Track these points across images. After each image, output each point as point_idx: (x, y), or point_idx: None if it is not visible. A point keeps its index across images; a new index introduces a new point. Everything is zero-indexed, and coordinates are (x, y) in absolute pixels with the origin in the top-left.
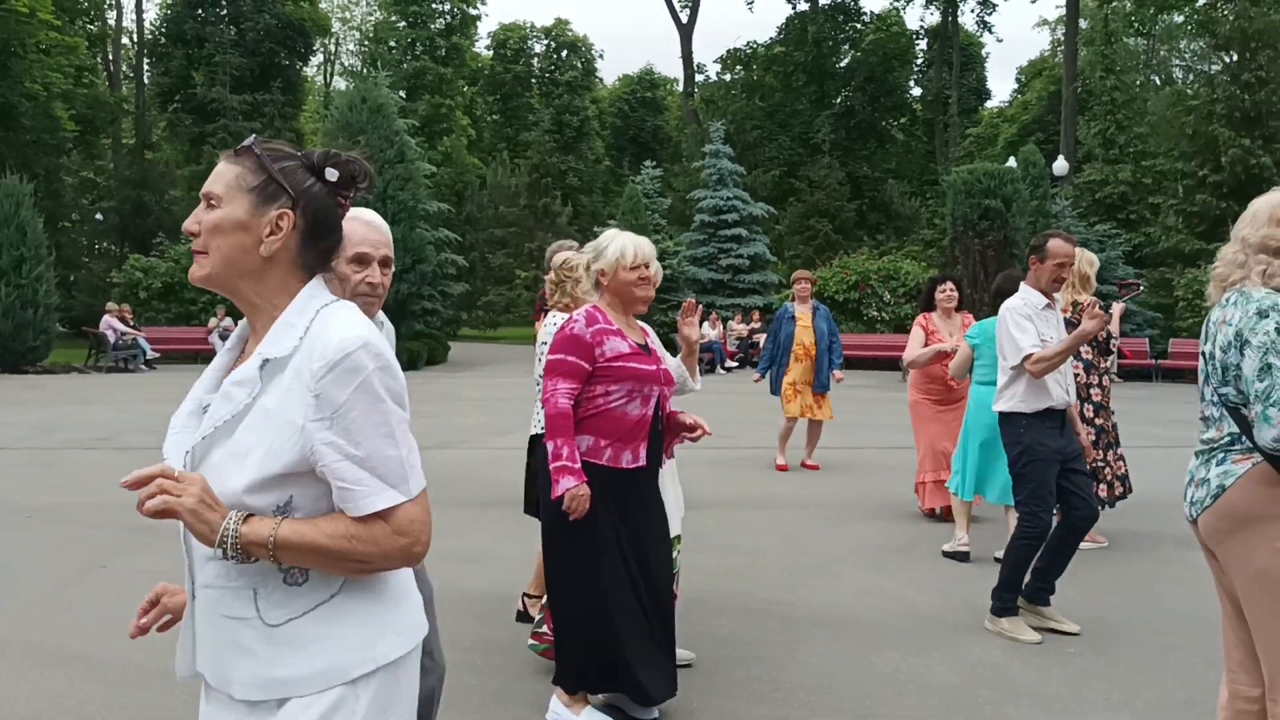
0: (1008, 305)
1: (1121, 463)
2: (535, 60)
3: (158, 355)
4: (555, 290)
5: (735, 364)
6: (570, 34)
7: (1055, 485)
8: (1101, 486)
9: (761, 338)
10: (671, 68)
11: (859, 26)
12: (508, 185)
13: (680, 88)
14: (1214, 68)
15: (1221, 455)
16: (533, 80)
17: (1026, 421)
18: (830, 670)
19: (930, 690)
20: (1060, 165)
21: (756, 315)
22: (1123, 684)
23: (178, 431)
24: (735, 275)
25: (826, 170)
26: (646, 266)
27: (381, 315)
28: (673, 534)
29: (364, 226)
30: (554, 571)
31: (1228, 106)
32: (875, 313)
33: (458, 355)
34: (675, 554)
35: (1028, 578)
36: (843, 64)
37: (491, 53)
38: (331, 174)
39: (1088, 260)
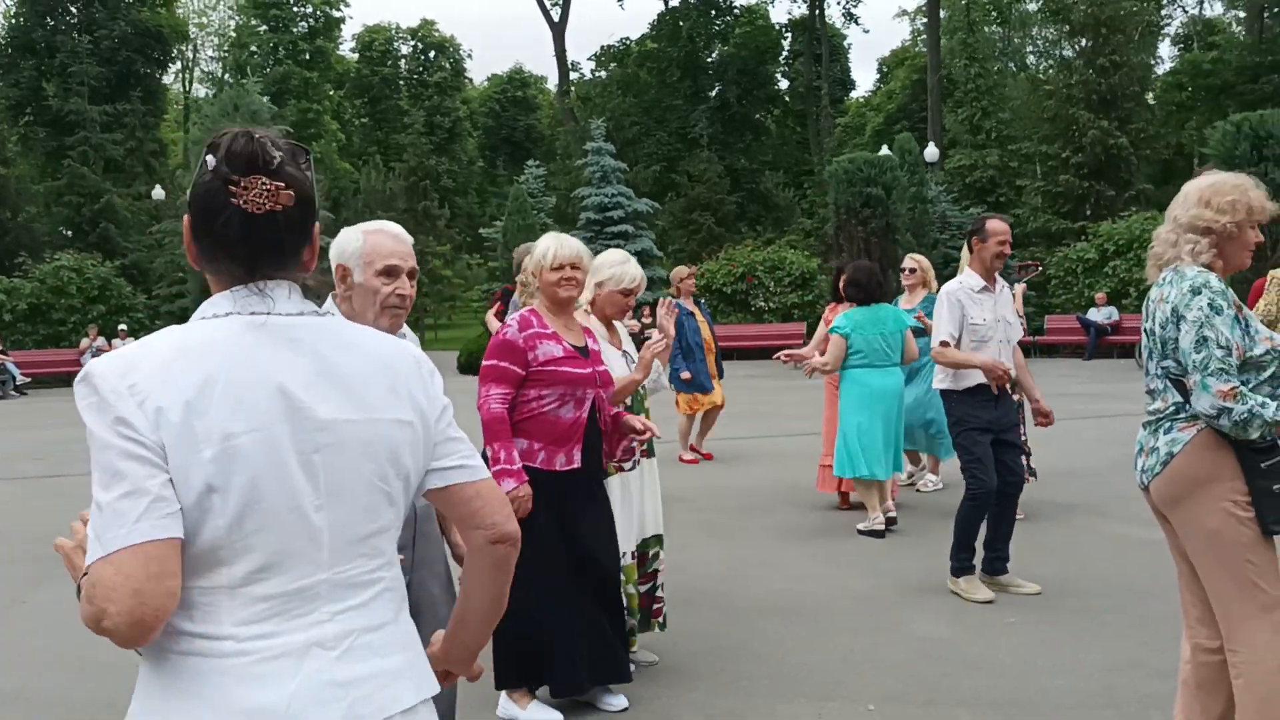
0: (945, 288)
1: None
2: (402, 62)
3: (28, 380)
4: (523, 291)
5: None
6: (437, 34)
7: (991, 451)
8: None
9: (654, 333)
10: (541, 66)
11: (729, 20)
12: (383, 190)
13: (552, 85)
14: (1066, 53)
15: (1168, 424)
16: (401, 82)
17: (957, 397)
18: (786, 657)
19: (884, 669)
20: (931, 152)
21: (646, 311)
22: (1066, 649)
23: None
24: None
25: (705, 164)
26: (573, 266)
27: (405, 327)
28: (653, 533)
29: (391, 239)
30: None
31: (1085, 90)
32: (762, 303)
33: None
34: (658, 551)
35: (981, 552)
36: (713, 58)
37: (357, 55)
38: (210, 160)
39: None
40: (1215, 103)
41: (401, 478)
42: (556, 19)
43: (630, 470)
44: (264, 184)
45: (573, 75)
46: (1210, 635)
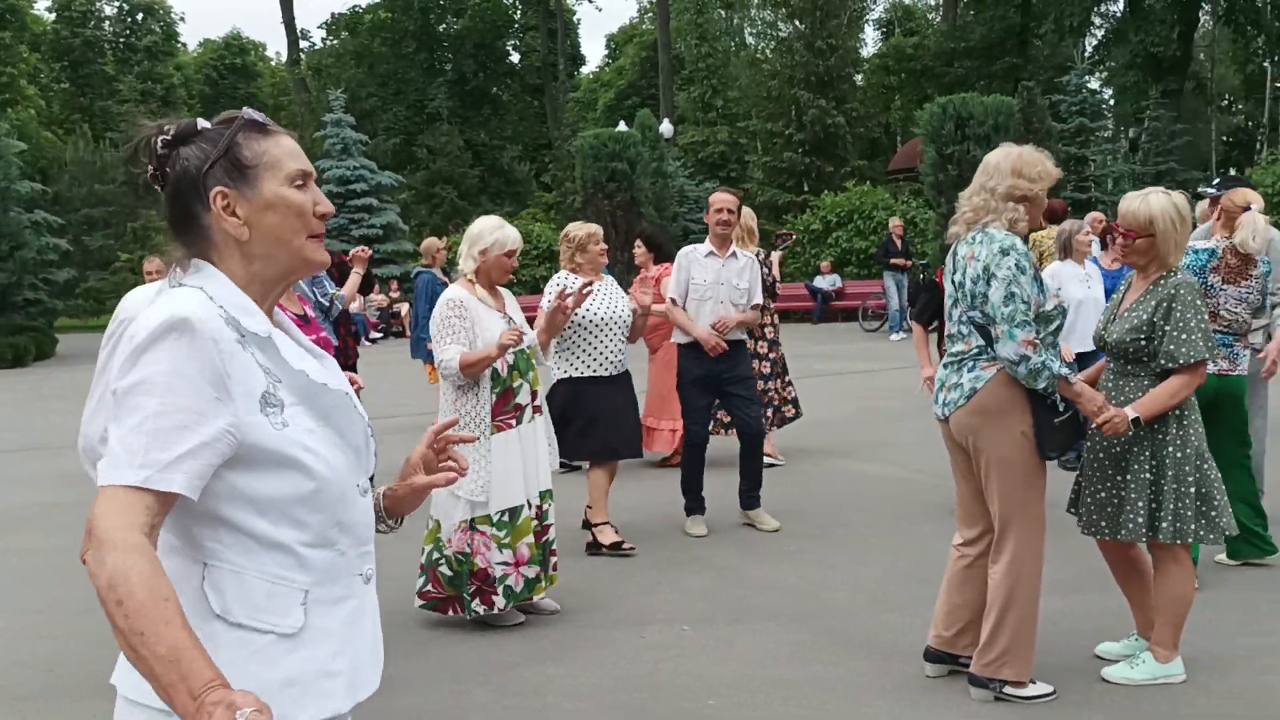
0: (680, 252)
1: (791, 388)
2: (107, 24)
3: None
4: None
5: (379, 335)
6: None
7: (706, 403)
8: (769, 410)
9: (403, 307)
10: (260, 32)
11: None
12: (94, 161)
13: (273, 53)
14: (782, 33)
15: (971, 364)
16: (106, 45)
17: (682, 351)
18: (599, 591)
19: (691, 595)
20: (666, 128)
21: (395, 285)
22: (841, 568)
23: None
24: (369, 245)
25: (446, 137)
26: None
27: None
28: (547, 486)
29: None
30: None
31: (804, 71)
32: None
33: (66, 348)
34: (549, 506)
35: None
36: (444, 29)
37: (54, 15)
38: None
39: (749, 215)
40: (916, 85)
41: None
42: None
43: (520, 427)
44: (148, 169)
45: (302, 44)
46: (976, 541)
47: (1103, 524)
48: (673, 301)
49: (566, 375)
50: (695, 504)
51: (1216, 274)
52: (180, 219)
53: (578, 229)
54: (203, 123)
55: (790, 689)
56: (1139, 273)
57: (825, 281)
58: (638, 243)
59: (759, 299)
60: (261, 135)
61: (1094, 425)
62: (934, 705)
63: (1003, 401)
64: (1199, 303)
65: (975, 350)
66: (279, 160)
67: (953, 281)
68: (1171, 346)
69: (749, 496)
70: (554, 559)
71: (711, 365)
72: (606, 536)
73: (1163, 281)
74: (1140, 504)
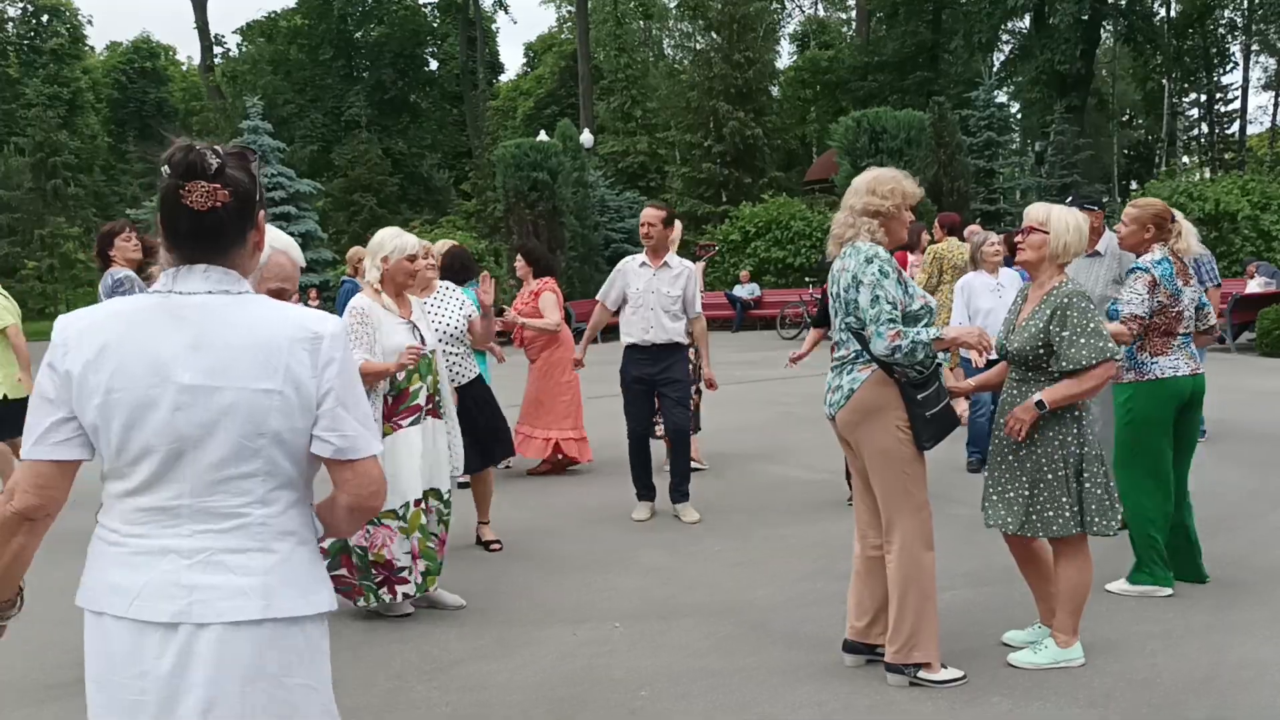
0: (621, 261)
1: (698, 395)
2: (10, 26)
3: None
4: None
5: None
6: None
7: (642, 401)
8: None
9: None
10: (170, 35)
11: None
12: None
13: (184, 57)
14: (701, 45)
15: (850, 367)
16: (9, 48)
17: (624, 352)
18: (535, 592)
19: (622, 594)
20: (586, 138)
21: (314, 293)
22: (763, 566)
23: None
24: None
25: (365, 145)
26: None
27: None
28: (439, 487)
29: (290, 264)
30: None
31: (724, 83)
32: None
33: None
34: (445, 507)
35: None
36: (361, 36)
37: None
38: (165, 171)
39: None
40: (832, 98)
41: (268, 436)
42: None
43: (417, 426)
44: (202, 188)
45: (216, 49)
46: (875, 534)
47: (1007, 519)
48: (599, 304)
49: None
50: (643, 492)
51: (1181, 279)
52: (235, 232)
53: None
54: (219, 148)
55: (717, 678)
56: (1034, 283)
57: (744, 290)
58: (518, 257)
59: (698, 309)
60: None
61: (977, 355)
62: (853, 691)
63: (878, 399)
64: (1090, 308)
65: (853, 354)
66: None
67: (832, 294)
68: (1072, 351)
69: (676, 491)
70: (442, 558)
71: (647, 367)
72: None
73: (1055, 292)
74: (1042, 499)
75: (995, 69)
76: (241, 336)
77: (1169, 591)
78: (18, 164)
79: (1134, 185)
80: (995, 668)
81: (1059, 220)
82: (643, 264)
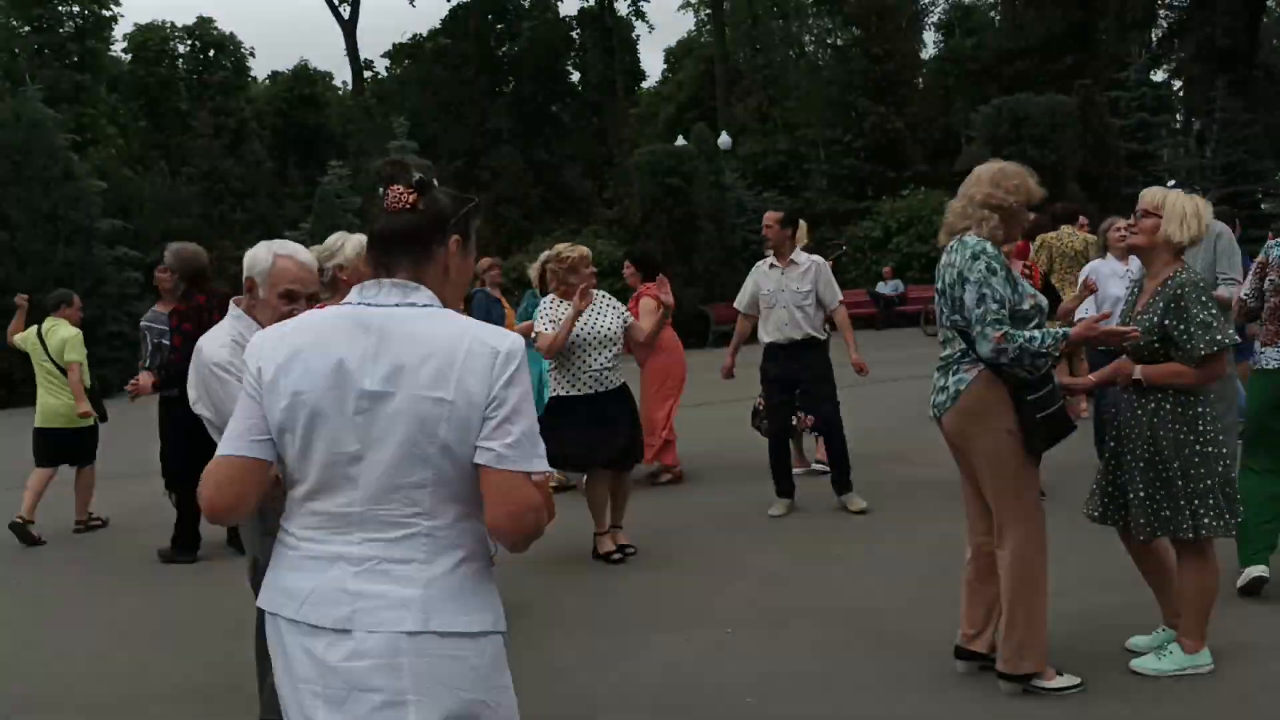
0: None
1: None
2: (180, 61)
3: None
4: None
5: None
6: (215, 32)
7: (783, 399)
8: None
9: None
10: (326, 62)
11: (518, 15)
12: (170, 196)
13: (339, 82)
14: (840, 41)
15: (956, 367)
16: (180, 83)
17: (763, 351)
18: (650, 597)
19: (740, 598)
20: (724, 140)
21: (461, 305)
22: (885, 568)
23: None
24: None
25: (508, 158)
26: None
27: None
28: None
29: (296, 265)
30: None
31: (862, 77)
32: None
33: None
34: None
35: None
36: (503, 52)
37: (130, 56)
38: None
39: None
40: (977, 86)
41: (437, 445)
42: (346, 16)
43: None
44: (399, 190)
45: (366, 73)
46: (987, 539)
47: (1123, 518)
48: (738, 311)
49: (557, 394)
50: (782, 487)
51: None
52: (422, 242)
53: (569, 251)
54: (433, 177)
55: (825, 685)
56: (1149, 274)
57: (887, 287)
58: (627, 263)
59: (837, 299)
60: (477, 218)
61: (1096, 334)
62: (963, 699)
63: (986, 402)
64: (1205, 298)
65: (959, 354)
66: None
67: (937, 290)
68: (1188, 343)
69: (838, 483)
70: None
71: (787, 365)
72: (604, 545)
73: (1171, 281)
74: (1158, 499)
75: (1152, 46)
76: (421, 347)
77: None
78: (188, 193)
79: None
80: (1117, 675)
81: (1174, 205)
82: (771, 265)
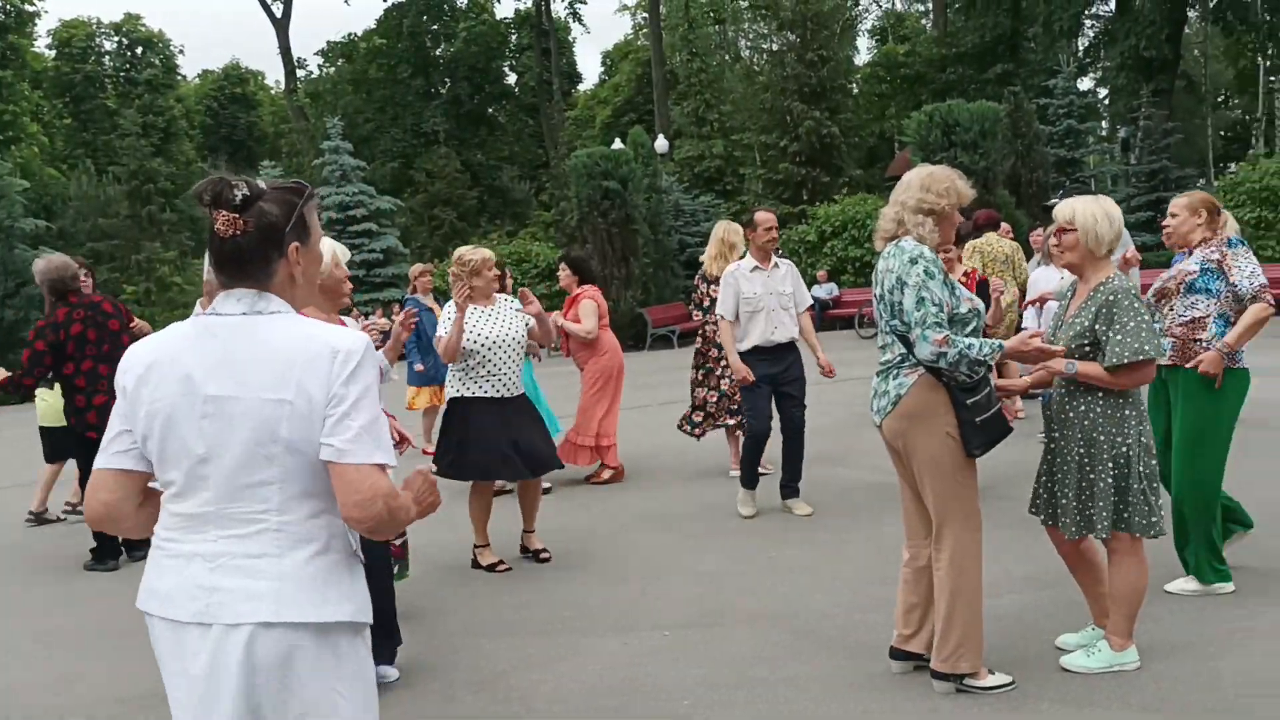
0: (726, 270)
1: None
2: (107, 58)
3: None
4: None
5: None
6: (144, 29)
7: (765, 401)
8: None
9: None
10: (257, 61)
11: (453, 16)
12: (97, 196)
13: (272, 82)
14: (776, 46)
15: (896, 371)
16: (106, 80)
17: (742, 357)
18: (587, 600)
19: (678, 600)
20: (661, 144)
21: (397, 308)
22: (825, 571)
23: None
24: (370, 270)
25: (444, 160)
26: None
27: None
28: None
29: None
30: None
31: (797, 83)
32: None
33: None
34: None
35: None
36: (439, 53)
37: (54, 52)
38: (203, 200)
39: (733, 230)
40: (910, 92)
41: (280, 444)
42: (279, 15)
43: None
44: (224, 216)
45: (299, 72)
46: (925, 542)
47: (1055, 517)
48: (722, 318)
49: (458, 395)
50: (749, 481)
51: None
52: (258, 260)
53: (471, 254)
54: (262, 184)
55: (762, 688)
56: (1081, 280)
57: (822, 290)
58: (562, 266)
59: (809, 301)
60: (315, 207)
61: (1029, 350)
62: (899, 699)
63: (926, 405)
64: (1136, 305)
65: (899, 358)
66: (319, 229)
67: (875, 296)
68: (1115, 348)
69: (787, 487)
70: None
71: (772, 367)
72: (485, 558)
73: (1101, 287)
74: (1086, 498)
75: (1079, 55)
76: (263, 352)
77: (1231, 588)
78: (115, 192)
79: (1231, 168)
80: (1047, 673)
81: (1085, 214)
82: (754, 268)
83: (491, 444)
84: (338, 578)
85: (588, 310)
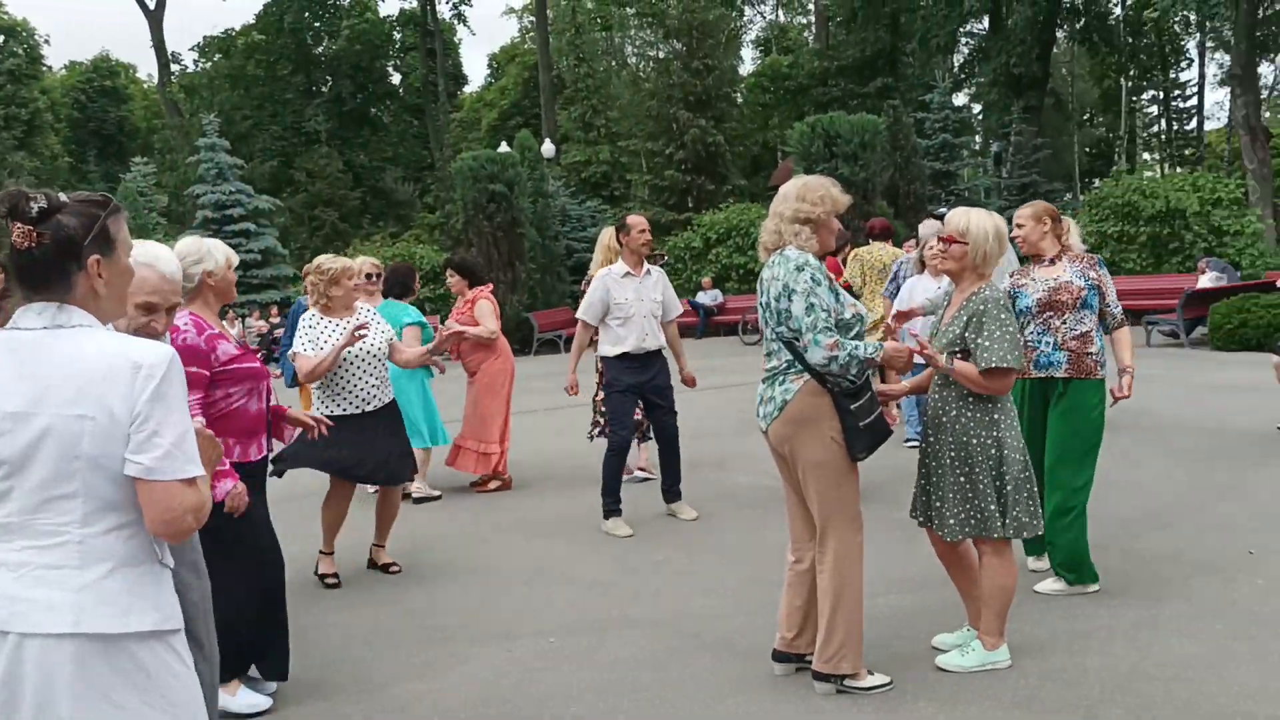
0: (598, 274)
1: None
2: None
3: None
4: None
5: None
6: (5, 17)
7: (631, 410)
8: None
9: (281, 333)
10: (129, 53)
11: (336, 13)
12: None
13: (145, 75)
14: (662, 54)
15: (782, 377)
16: None
17: (609, 363)
18: (472, 609)
19: (559, 608)
20: (547, 148)
21: (275, 310)
22: (706, 575)
23: None
24: (248, 271)
25: (325, 159)
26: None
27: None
28: None
29: (157, 277)
30: (219, 568)
31: (683, 91)
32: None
33: None
34: None
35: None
36: (320, 51)
37: None
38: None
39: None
40: (793, 103)
41: (82, 460)
42: (153, 6)
43: None
44: (19, 228)
45: (173, 66)
46: (808, 546)
47: (931, 519)
48: (582, 321)
49: (320, 413)
50: (614, 506)
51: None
52: (56, 273)
53: (330, 262)
54: (64, 197)
55: (647, 692)
56: (957, 289)
57: (707, 297)
58: (449, 271)
59: (678, 310)
60: (121, 220)
61: (902, 354)
62: (780, 700)
63: (811, 410)
64: (1005, 316)
65: (785, 364)
66: (128, 241)
67: (760, 304)
68: (982, 353)
69: (670, 491)
70: None
71: (639, 375)
72: (324, 566)
73: (974, 296)
74: (959, 500)
75: (954, 71)
76: (62, 367)
77: (1096, 587)
78: None
79: (1096, 183)
80: (923, 672)
81: (978, 229)
82: (626, 274)
83: (363, 451)
84: (142, 589)
85: (485, 311)
